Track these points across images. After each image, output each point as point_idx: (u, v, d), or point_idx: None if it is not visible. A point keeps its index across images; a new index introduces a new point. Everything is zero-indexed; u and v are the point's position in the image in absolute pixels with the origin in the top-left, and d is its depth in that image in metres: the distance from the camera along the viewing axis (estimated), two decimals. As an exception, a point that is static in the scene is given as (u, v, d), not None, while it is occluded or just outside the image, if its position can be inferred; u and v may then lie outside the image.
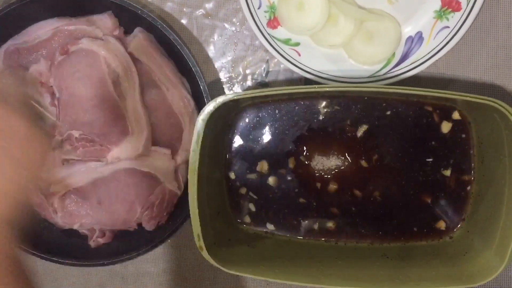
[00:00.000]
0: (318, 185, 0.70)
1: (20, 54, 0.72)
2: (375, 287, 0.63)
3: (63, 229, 0.75)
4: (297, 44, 0.70)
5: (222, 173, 0.71)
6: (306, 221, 0.71)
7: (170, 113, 0.71)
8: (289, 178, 0.70)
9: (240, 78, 0.75)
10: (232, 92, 0.75)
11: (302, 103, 0.69)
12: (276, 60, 0.73)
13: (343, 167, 0.69)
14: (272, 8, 0.70)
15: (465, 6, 0.66)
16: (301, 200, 0.70)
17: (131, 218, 0.73)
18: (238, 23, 0.74)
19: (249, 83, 0.75)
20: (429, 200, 0.69)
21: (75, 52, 0.69)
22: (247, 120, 0.70)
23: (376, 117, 0.68)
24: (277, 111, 0.69)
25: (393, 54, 0.69)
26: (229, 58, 0.75)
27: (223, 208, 0.72)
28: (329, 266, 0.66)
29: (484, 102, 0.58)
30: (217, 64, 0.75)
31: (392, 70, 0.69)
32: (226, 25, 0.74)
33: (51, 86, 0.71)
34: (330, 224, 0.70)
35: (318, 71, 0.70)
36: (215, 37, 0.74)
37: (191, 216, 0.61)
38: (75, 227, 0.74)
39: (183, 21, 0.75)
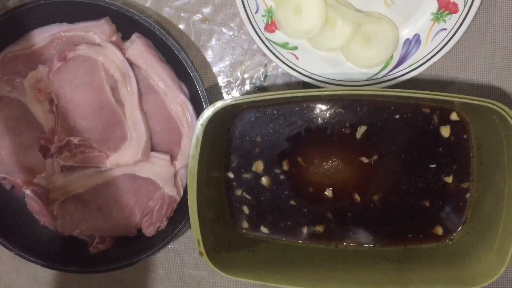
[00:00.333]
0: (315, 188, 0.70)
1: (18, 61, 0.72)
2: (376, 290, 0.63)
3: (63, 235, 0.75)
4: (295, 48, 0.70)
5: (221, 175, 0.71)
6: (304, 225, 0.71)
7: (168, 118, 0.71)
8: (283, 179, 0.70)
9: (238, 82, 0.75)
10: (231, 96, 0.75)
11: (300, 106, 0.68)
12: (274, 64, 0.73)
13: (341, 170, 0.69)
14: (270, 12, 0.70)
15: (462, 8, 0.66)
16: (297, 203, 0.70)
17: (130, 224, 0.73)
18: (235, 28, 0.74)
19: (247, 87, 0.75)
20: (428, 203, 0.68)
21: (73, 59, 0.69)
22: (245, 122, 0.70)
23: (374, 119, 0.67)
24: (275, 114, 0.69)
25: (391, 57, 0.69)
26: (227, 63, 0.75)
27: (223, 213, 0.72)
28: (329, 270, 0.66)
29: (483, 104, 0.58)
30: (215, 69, 0.75)
31: (390, 73, 0.69)
32: (224, 30, 0.74)
33: (49, 92, 0.71)
34: (324, 229, 0.70)
35: (316, 75, 0.70)
36: (213, 41, 0.74)
37: (191, 221, 0.61)
38: (75, 233, 0.74)
39: (181, 26, 0.75)
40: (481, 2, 0.65)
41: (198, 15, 0.74)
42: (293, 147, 0.69)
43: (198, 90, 0.69)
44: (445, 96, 0.59)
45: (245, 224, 0.72)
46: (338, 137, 0.68)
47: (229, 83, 0.75)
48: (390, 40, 0.68)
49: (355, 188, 0.69)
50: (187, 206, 0.62)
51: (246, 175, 0.71)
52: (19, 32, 0.72)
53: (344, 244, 0.70)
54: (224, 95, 0.75)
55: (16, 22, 0.70)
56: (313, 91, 0.62)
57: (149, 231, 0.73)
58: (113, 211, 0.73)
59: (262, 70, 0.74)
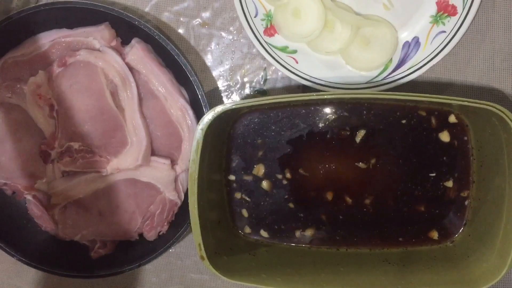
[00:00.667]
0: (314, 192, 0.70)
1: (19, 67, 0.72)
2: (378, 293, 0.63)
3: (64, 240, 0.75)
4: (294, 51, 0.71)
5: (222, 179, 0.71)
6: (304, 229, 0.71)
7: (169, 122, 0.71)
8: (284, 183, 0.70)
9: (238, 86, 0.75)
10: (231, 100, 0.75)
11: (300, 109, 0.68)
12: (273, 67, 0.73)
13: (341, 174, 0.69)
14: (269, 16, 0.70)
15: (461, 10, 0.66)
16: (296, 207, 0.70)
17: (132, 229, 0.73)
18: (235, 32, 0.74)
19: (247, 91, 0.75)
20: (429, 207, 0.68)
21: (73, 64, 0.69)
22: (245, 126, 0.70)
23: (374, 122, 0.67)
24: (276, 117, 0.69)
25: (390, 60, 0.69)
26: (227, 67, 0.75)
27: (224, 216, 0.72)
28: (331, 273, 0.66)
29: (482, 107, 0.58)
30: (215, 73, 0.75)
31: (389, 76, 0.69)
32: (223, 34, 0.74)
33: (50, 98, 0.71)
34: (324, 232, 0.70)
35: (316, 78, 0.70)
36: (213, 46, 0.75)
37: (192, 226, 0.61)
38: (76, 238, 0.74)
39: (180, 31, 0.75)
40: (480, 4, 0.65)
41: (198, 19, 0.74)
42: (293, 150, 0.69)
43: (198, 95, 0.69)
44: (444, 98, 0.59)
45: (246, 228, 0.72)
46: (339, 141, 0.68)
47: (229, 87, 0.75)
48: (389, 43, 0.68)
49: (354, 191, 0.69)
50: (188, 210, 0.62)
51: (247, 178, 0.71)
52: (19, 38, 0.72)
53: (345, 247, 0.70)
54: (224, 99, 0.75)
55: (16, 28, 0.70)
56: (313, 95, 0.62)
57: (150, 235, 0.73)
58: (114, 216, 0.73)
59: (262, 73, 0.74)
